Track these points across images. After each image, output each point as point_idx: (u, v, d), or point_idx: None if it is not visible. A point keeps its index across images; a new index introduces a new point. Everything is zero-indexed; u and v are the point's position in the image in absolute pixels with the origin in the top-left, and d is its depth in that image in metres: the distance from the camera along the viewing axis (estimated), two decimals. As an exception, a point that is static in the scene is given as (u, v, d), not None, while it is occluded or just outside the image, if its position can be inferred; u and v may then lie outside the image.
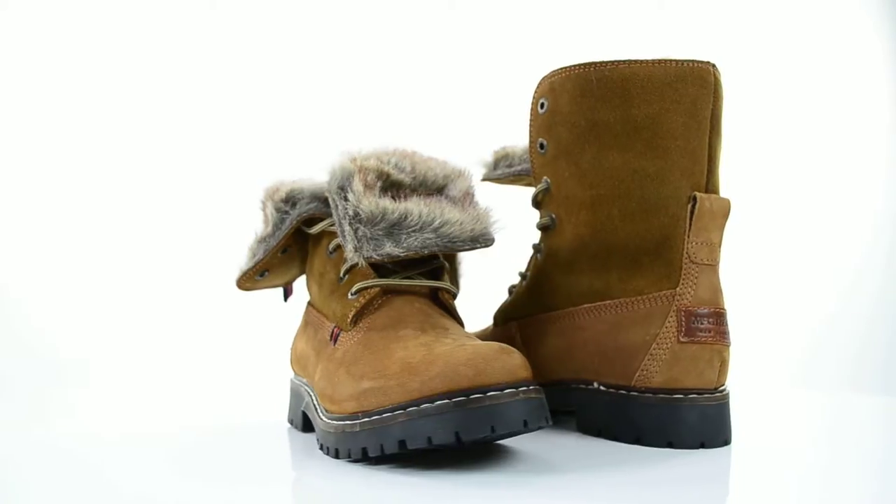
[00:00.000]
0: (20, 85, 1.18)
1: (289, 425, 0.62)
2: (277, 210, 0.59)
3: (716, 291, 0.52)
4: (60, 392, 0.82)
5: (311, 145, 0.58)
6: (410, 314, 0.52)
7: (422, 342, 0.47)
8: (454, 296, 0.56)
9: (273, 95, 1.29)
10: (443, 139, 0.71)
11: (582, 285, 0.56)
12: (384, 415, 0.44)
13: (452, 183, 0.57)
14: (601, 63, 0.53)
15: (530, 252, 0.61)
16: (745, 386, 0.71)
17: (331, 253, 0.57)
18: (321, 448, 0.50)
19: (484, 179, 0.67)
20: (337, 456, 0.48)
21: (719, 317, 0.52)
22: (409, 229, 0.51)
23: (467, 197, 0.56)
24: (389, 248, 0.51)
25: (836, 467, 0.50)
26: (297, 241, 0.61)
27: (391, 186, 0.55)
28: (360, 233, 0.51)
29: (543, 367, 0.59)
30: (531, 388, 0.44)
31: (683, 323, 0.51)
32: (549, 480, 0.43)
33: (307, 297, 0.62)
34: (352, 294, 0.53)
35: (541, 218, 0.59)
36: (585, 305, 0.55)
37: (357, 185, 0.53)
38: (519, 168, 0.64)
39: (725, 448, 0.51)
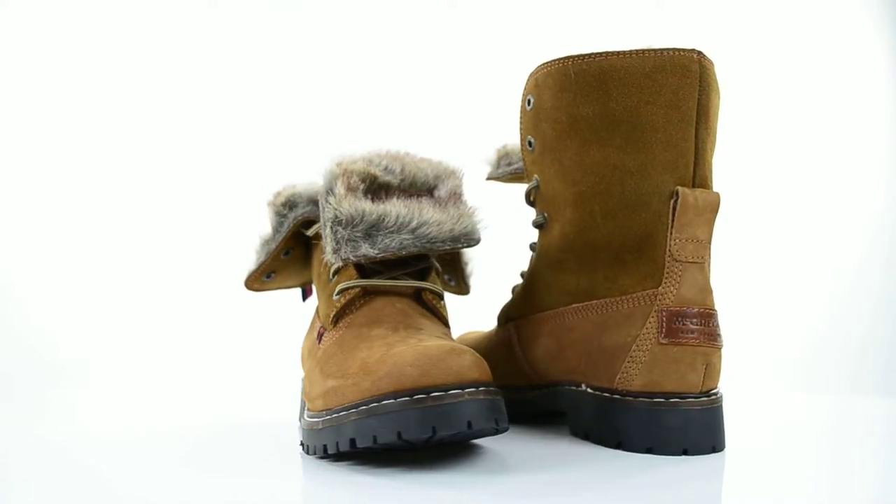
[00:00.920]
0: (23, 86, 1.20)
1: (299, 423, 0.64)
2: (277, 213, 0.61)
3: (701, 290, 0.49)
4: (62, 392, 0.84)
5: (318, 148, 0.60)
6: (390, 314, 0.52)
7: (387, 342, 0.48)
8: (440, 296, 0.56)
9: (282, 98, 1.31)
10: (450, 138, 0.72)
11: (570, 284, 0.54)
12: (341, 413, 0.45)
13: (442, 183, 0.57)
14: (579, 56, 0.51)
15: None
16: (740, 389, 0.67)
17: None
18: (300, 445, 0.52)
19: (488, 178, 0.67)
20: (307, 452, 0.49)
21: (705, 317, 0.49)
22: (387, 230, 0.52)
23: (453, 197, 0.56)
24: (365, 250, 0.52)
25: (835, 472, 0.47)
26: (300, 243, 0.63)
27: (379, 188, 0.56)
28: (338, 234, 0.52)
29: (538, 369, 0.58)
30: (480, 389, 0.43)
31: (664, 324, 0.49)
32: (507, 482, 0.42)
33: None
34: (335, 295, 0.54)
35: (536, 216, 0.58)
36: (574, 305, 0.54)
37: (339, 188, 0.54)
38: (517, 166, 0.63)
39: (714, 454, 0.49)
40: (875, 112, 1.66)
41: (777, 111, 1.58)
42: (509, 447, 0.52)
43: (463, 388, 0.43)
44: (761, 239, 1.52)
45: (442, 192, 0.56)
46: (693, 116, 0.50)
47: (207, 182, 1.24)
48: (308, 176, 0.63)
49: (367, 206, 0.53)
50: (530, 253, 0.60)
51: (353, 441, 0.43)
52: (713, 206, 0.50)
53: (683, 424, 0.48)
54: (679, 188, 0.49)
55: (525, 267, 0.62)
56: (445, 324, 0.55)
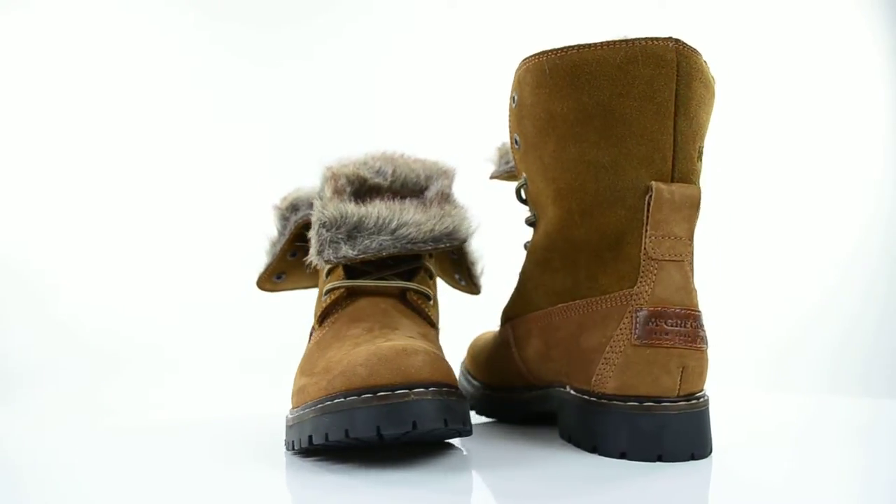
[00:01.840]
0: (34, 89, 1.22)
1: None
2: (282, 216, 0.63)
3: (679, 290, 0.47)
4: (96, 385, 0.89)
5: (328, 151, 0.61)
6: (371, 314, 0.53)
7: (356, 341, 0.49)
8: (427, 296, 0.56)
9: (296, 103, 1.33)
10: (456, 138, 0.71)
11: (556, 284, 0.53)
12: (305, 410, 0.46)
13: (433, 183, 0.58)
14: (553, 51, 0.50)
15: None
16: (719, 390, 0.64)
17: None
18: None
19: (491, 177, 0.66)
20: (286, 448, 0.51)
21: (681, 318, 0.47)
22: (367, 232, 0.53)
23: (439, 197, 0.56)
24: (346, 251, 0.53)
25: (814, 474, 0.44)
26: (307, 245, 0.65)
27: (370, 190, 0.57)
28: (322, 236, 0.54)
29: (531, 369, 0.57)
30: (429, 389, 0.43)
31: (637, 324, 0.47)
32: (463, 482, 0.42)
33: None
34: (324, 295, 0.56)
35: (528, 214, 0.58)
36: (560, 305, 0.53)
37: (326, 191, 0.55)
38: (513, 164, 0.62)
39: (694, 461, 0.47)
40: (867, 113, 1.69)
41: (773, 111, 1.61)
42: (490, 447, 0.52)
43: (410, 388, 0.43)
44: (742, 238, 1.53)
45: (431, 192, 0.57)
46: (670, 108, 0.48)
47: (221, 185, 1.27)
48: (315, 179, 0.65)
49: (350, 209, 0.54)
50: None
51: (310, 438, 0.45)
52: (692, 202, 0.48)
53: (658, 429, 0.46)
54: (653, 183, 0.47)
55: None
56: (431, 324, 0.56)
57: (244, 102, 1.31)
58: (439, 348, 0.52)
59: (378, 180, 0.57)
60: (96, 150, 1.23)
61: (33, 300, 1.10)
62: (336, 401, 0.44)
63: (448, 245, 0.55)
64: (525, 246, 0.58)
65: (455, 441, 0.54)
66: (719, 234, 1.29)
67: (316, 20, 1.36)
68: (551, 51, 0.50)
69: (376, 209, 0.54)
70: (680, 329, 0.47)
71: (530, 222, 0.57)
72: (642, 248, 0.48)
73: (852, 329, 1.60)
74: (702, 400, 0.48)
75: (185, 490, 0.42)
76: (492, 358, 0.63)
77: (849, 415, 0.72)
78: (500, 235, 0.67)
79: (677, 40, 0.48)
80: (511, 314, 0.60)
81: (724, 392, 0.67)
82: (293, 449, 0.48)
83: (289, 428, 0.49)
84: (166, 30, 1.30)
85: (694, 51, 0.48)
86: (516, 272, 0.64)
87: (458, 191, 0.67)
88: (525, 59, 0.52)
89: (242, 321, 1.10)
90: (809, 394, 0.95)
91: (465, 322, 0.70)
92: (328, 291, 0.55)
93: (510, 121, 0.56)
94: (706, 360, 0.48)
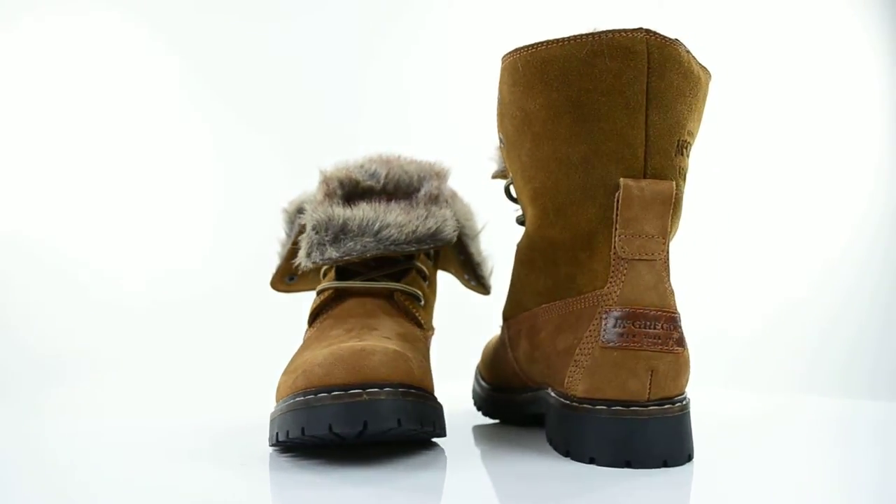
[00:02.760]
0: (34, 90, 1.22)
1: None
2: (289, 220, 0.65)
3: (649, 290, 0.45)
4: (63, 389, 0.86)
5: (338, 154, 0.63)
6: (357, 315, 0.54)
7: (334, 342, 0.50)
8: (415, 297, 0.56)
9: (299, 103, 1.34)
10: (461, 138, 0.71)
11: (539, 284, 0.53)
12: (276, 408, 0.48)
13: (424, 184, 0.58)
14: (525, 47, 0.49)
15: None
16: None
17: None
18: None
19: (493, 177, 0.66)
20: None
21: (652, 319, 0.45)
22: (351, 234, 0.54)
23: (428, 198, 0.57)
24: (330, 253, 0.54)
25: (791, 476, 0.41)
26: None
27: (363, 193, 0.58)
28: (311, 239, 0.55)
29: (523, 370, 0.57)
30: (384, 390, 0.44)
31: (605, 326, 0.46)
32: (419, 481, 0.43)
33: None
34: (316, 296, 0.57)
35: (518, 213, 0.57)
36: (544, 306, 0.52)
37: (317, 195, 0.57)
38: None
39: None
40: (851, 117, 1.71)
41: (770, 111, 1.63)
42: (472, 448, 0.52)
43: (364, 388, 0.43)
44: (723, 236, 1.54)
45: (421, 193, 0.57)
46: (641, 102, 0.46)
47: (219, 186, 1.29)
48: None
49: (337, 212, 0.55)
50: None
51: (276, 435, 0.46)
52: (665, 198, 0.46)
53: (626, 435, 0.45)
54: (622, 180, 0.46)
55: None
56: (418, 324, 0.56)
57: (252, 106, 1.33)
58: (420, 349, 0.52)
59: (371, 183, 0.58)
60: (95, 151, 1.25)
61: (34, 300, 1.12)
62: (296, 399, 0.45)
63: (431, 246, 0.55)
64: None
65: (450, 442, 0.54)
66: (711, 232, 1.44)
67: (318, 20, 1.38)
68: (523, 47, 0.49)
69: (361, 211, 0.55)
70: (649, 331, 0.45)
71: (520, 221, 0.56)
72: (612, 247, 0.46)
73: (831, 329, 1.63)
74: (677, 405, 0.46)
75: (168, 487, 0.43)
76: (494, 359, 0.63)
77: (826, 416, 0.72)
78: (507, 235, 0.66)
79: (648, 31, 0.46)
80: (506, 314, 0.60)
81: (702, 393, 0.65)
82: (273, 444, 0.49)
83: (269, 424, 0.50)
84: (168, 30, 1.32)
85: (669, 41, 0.46)
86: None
87: (463, 191, 0.67)
88: (503, 57, 0.52)
89: (242, 321, 1.11)
90: (786, 394, 0.94)
91: (476, 322, 0.70)
92: (319, 292, 0.57)
93: (497, 120, 0.55)
94: (683, 362, 0.46)
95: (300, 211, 0.64)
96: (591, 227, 0.47)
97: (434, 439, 0.53)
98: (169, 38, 1.32)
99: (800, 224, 1.64)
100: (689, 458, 0.46)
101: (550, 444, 0.51)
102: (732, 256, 1.57)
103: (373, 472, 0.44)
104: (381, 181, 0.58)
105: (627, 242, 0.46)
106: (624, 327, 0.45)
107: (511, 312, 0.58)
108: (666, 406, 0.45)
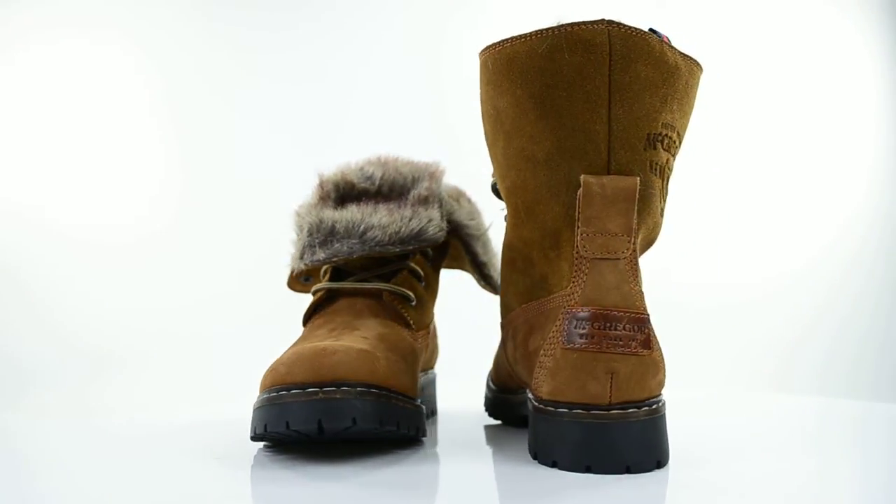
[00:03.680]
0: (33, 92, 1.27)
1: None
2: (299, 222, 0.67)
3: (610, 290, 0.44)
4: (96, 386, 0.90)
5: (336, 154, 0.64)
6: (345, 315, 0.55)
7: (311, 341, 0.51)
8: (405, 297, 0.57)
9: (323, 111, 1.34)
10: (464, 137, 0.70)
11: (519, 284, 0.52)
12: (254, 404, 0.50)
13: (416, 185, 0.58)
14: (493, 45, 0.49)
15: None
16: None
17: None
18: None
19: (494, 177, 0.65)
20: None
21: (613, 320, 0.43)
22: (338, 236, 0.55)
23: (416, 199, 0.57)
24: (319, 255, 0.56)
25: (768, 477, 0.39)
26: None
27: (359, 195, 0.59)
28: (303, 241, 0.57)
29: (513, 371, 0.56)
30: (340, 389, 0.44)
31: (566, 327, 0.44)
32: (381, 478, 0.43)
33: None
34: (312, 296, 0.59)
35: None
36: (523, 306, 0.51)
37: (312, 198, 0.58)
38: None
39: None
40: (855, 119, 1.77)
41: (768, 111, 1.67)
42: (457, 448, 0.52)
43: (321, 387, 0.44)
44: (706, 233, 1.58)
45: (410, 194, 0.58)
46: (603, 96, 0.45)
47: (219, 188, 1.31)
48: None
49: (326, 215, 0.56)
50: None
51: (253, 429, 0.48)
52: (627, 194, 0.44)
53: (586, 439, 0.44)
54: (582, 176, 0.45)
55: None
56: (405, 324, 0.56)
57: (258, 110, 1.36)
58: (400, 349, 0.53)
59: (366, 185, 0.59)
60: (95, 152, 1.29)
61: (33, 301, 1.16)
62: (262, 396, 0.46)
63: (416, 246, 0.55)
64: (509, 245, 0.57)
65: (446, 441, 0.54)
66: (693, 229, 1.46)
67: (324, 20, 1.39)
68: (492, 45, 0.49)
69: (349, 214, 0.56)
70: (610, 332, 0.43)
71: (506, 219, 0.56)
72: (574, 246, 0.45)
73: (812, 328, 1.66)
74: (643, 409, 0.44)
75: (159, 485, 0.44)
76: (496, 360, 0.63)
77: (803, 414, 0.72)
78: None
79: (611, 22, 0.44)
80: (501, 315, 0.59)
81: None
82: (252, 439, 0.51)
83: None
84: (169, 31, 1.36)
85: (635, 31, 0.45)
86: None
87: (471, 190, 0.67)
88: (479, 54, 0.52)
89: (241, 321, 1.13)
90: (759, 392, 0.94)
91: (487, 322, 0.70)
92: (314, 293, 0.58)
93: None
94: (649, 365, 0.44)
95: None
96: (556, 226, 0.47)
97: (437, 439, 0.54)
98: (176, 42, 1.37)
99: (784, 222, 1.69)
100: (659, 464, 0.44)
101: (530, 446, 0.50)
102: (716, 252, 1.61)
103: (348, 468, 0.45)
104: (377, 183, 0.59)
105: (589, 241, 0.44)
106: (585, 328, 0.44)
107: (503, 313, 0.58)
108: (630, 410, 0.44)
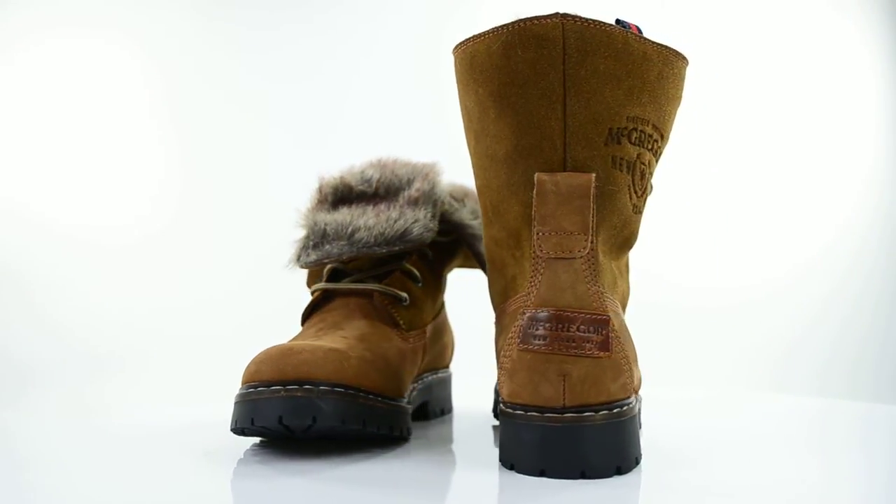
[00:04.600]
0: (33, 93, 1.28)
1: None
2: None
3: (564, 290, 0.43)
4: (96, 386, 0.90)
5: (340, 156, 0.66)
6: (338, 315, 0.56)
7: (296, 339, 0.53)
8: (397, 298, 0.57)
9: (334, 112, 1.33)
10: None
11: (497, 284, 0.51)
12: None
13: (411, 186, 0.59)
14: (459, 44, 0.48)
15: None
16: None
17: None
18: None
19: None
20: None
21: (567, 321, 0.42)
22: (329, 238, 0.57)
23: (406, 200, 0.58)
24: (312, 257, 0.57)
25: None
26: None
27: (357, 197, 0.60)
28: (301, 243, 0.59)
29: (502, 372, 0.55)
30: (303, 387, 0.46)
31: (521, 328, 0.44)
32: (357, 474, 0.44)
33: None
34: (311, 296, 0.60)
35: None
36: (501, 306, 0.51)
37: (311, 201, 0.60)
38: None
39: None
40: (857, 120, 1.76)
41: (768, 111, 1.66)
42: (445, 446, 0.53)
43: (284, 386, 0.46)
44: (704, 232, 1.56)
45: (402, 195, 0.58)
46: (558, 91, 0.44)
47: (217, 189, 1.32)
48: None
49: (321, 217, 0.58)
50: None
51: (235, 423, 0.49)
52: (582, 191, 0.43)
53: (539, 442, 0.43)
54: (536, 174, 0.44)
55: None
56: (394, 325, 0.57)
57: (258, 110, 1.36)
58: (382, 349, 0.53)
59: (363, 187, 0.60)
60: (95, 152, 1.31)
61: (33, 301, 1.17)
62: (237, 393, 0.48)
63: (402, 247, 0.56)
64: (498, 245, 0.57)
65: (440, 441, 0.54)
66: (691, 228, 1.48)
67: (324, 19, 1.38)
68: (459, 43, 0.49)
69: (340, 216, 0.57)
70: (562, 333, 0.42)
71: (495, 220, 0.55)
72: (531, 245, 0.44)
73: (809, 328, 1.63)
74: (601, 413, 0.43)
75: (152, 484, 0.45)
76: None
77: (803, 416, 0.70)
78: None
79: (565, 15, 0.43)
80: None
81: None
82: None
83: None
84: (169, 31, 1.37)
85: (592, 23, 0.43)
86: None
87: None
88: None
89: (240, 321, 1.13)
90: (756, 392, 0.92)
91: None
92: (312, 293, 0.60)
93: (465, 118, 0.55)
94: (606, 368, 0.43)
95: None
96: (517, 226, 0.46)
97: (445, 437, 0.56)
98: (176, 42, 1.39)
99: (784, 222, 1.66)
100: (619, 470, 0.43)
101: None
102: (716, 252, 1.58)
103: (319, 463, 0.46)
104: (374, 185, 0.60)
105: (545, 240, 0.44)
106: (539, 329, 0.43)
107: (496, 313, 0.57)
108: (586, 414, 0.42)
